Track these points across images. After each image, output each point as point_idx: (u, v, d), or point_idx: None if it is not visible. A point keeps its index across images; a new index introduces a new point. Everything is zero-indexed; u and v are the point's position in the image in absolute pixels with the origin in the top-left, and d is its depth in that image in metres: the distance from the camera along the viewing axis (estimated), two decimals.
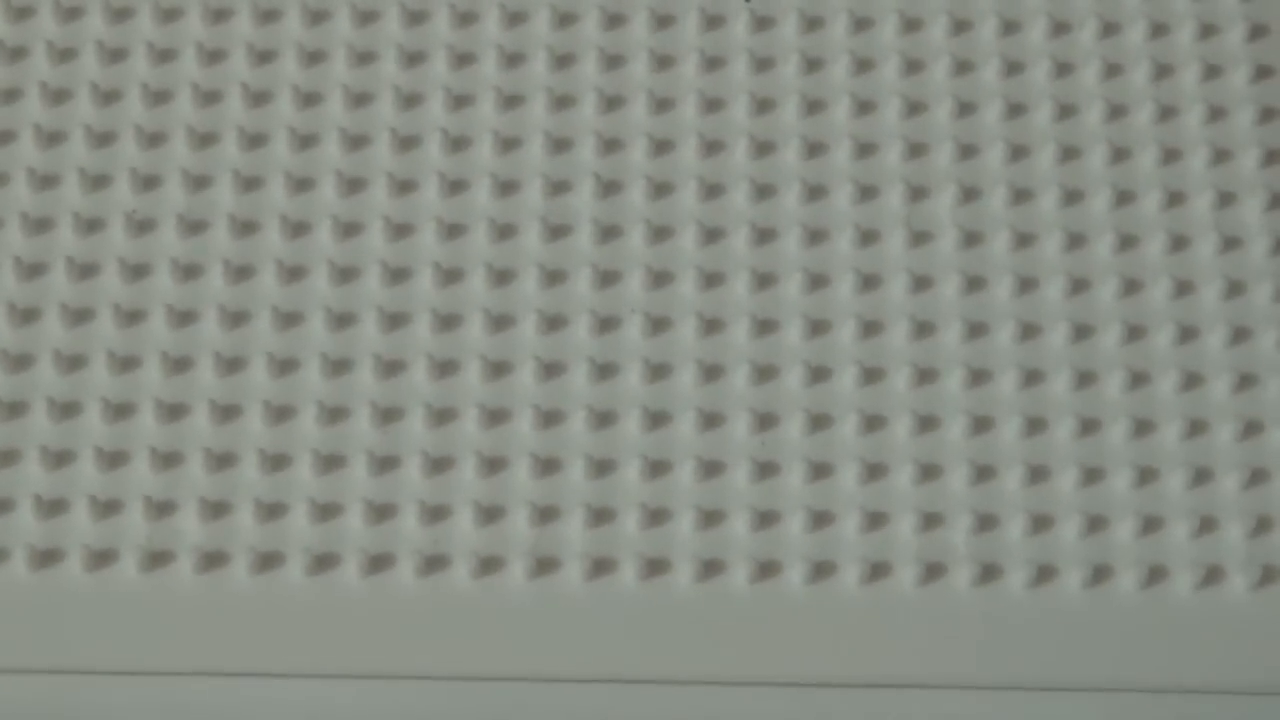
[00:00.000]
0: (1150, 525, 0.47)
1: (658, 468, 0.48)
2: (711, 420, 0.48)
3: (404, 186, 0.51)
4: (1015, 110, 0.52)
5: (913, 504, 0.47)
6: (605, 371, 0.49)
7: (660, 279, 0.50)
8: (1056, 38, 0.53)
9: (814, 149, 0.52)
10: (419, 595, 0.46)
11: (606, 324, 0.49)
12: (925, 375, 0.49)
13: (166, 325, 0.49)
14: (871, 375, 0.49)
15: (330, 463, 0.48)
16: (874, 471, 0.48)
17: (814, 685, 0.46)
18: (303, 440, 0.48)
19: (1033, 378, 0.49)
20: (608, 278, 0.50)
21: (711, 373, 0.49)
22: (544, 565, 0.47)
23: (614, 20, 0.54)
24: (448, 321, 0.49)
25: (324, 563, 0.47)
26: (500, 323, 0.49)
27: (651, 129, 0.52)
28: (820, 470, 0.48)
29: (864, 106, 0.52)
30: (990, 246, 0.51)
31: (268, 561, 0.47)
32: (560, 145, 0.52)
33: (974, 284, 0.50)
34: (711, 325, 0.49)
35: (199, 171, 0.51)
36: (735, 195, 0.51)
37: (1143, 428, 0.48)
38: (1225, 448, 0.48)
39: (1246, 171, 0.52)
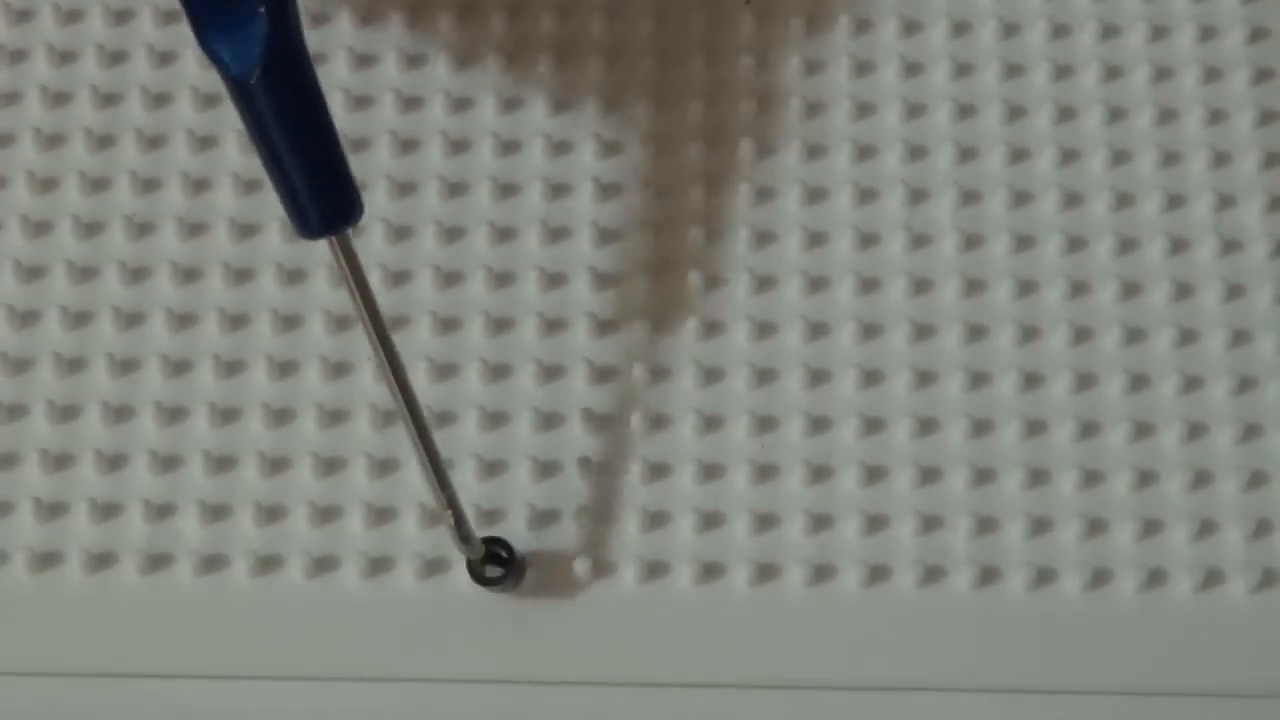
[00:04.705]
0: (1150, 528, 0.47)
1: (657, 470, 0.48)
2: (711, 423, 0.48)
3: (403, 189, 0.51)
4: (1015, 113, 0.52)
5: (913, 507, 0.47)
6: (604, 375, 0.49)
7: (660, 281, 0.50)
8: (1056, 40, 0.53)
9: (814, 151, 0.52)
10: (419, 598, 0.46)
11: (606, 327, 0.49)
12: (925, 378, 0.49)
13: (166, 328, 0.49)
14: (871, 378, 0.49)
15: (330, 466, 0.48)
16: (874, 474, 0.48)
17: (813, 688, 0.46)
18: (303, 443, 0.48)
19: (1033, 380, 0.49)
20: (607, 281, 0.50)
21: (711, 375, 0.49)
22: (543, 568, 0.47)
23: (614, 20, 0.53)
24: (447, 324, 0.49)
25: (324, 565, 0.47)
26: (500, 325, 0.49)
27: (651, 131, 0.52)
28: (820, 473, 0.48)
29: (864, 109, 0.52)
30: (990, 249, 0.51)
31: (267, 564, 0.47)
32: (561, 148, 0.52)
33: (974, 287, 0.50)
34: (711, 328, 0.49)
35: (199, 175, 0.51)
36: (733, 197, 0.51)
37: (1142, 431, 0.48)
38: (1225, 451, 0.48)
39: (1246, 174, 0.51)
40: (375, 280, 0.50)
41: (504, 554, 0.46)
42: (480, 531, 0.46)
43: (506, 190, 0.51)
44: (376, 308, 0.42)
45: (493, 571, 0.46)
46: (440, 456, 0.44)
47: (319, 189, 0.41)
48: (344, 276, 0.42)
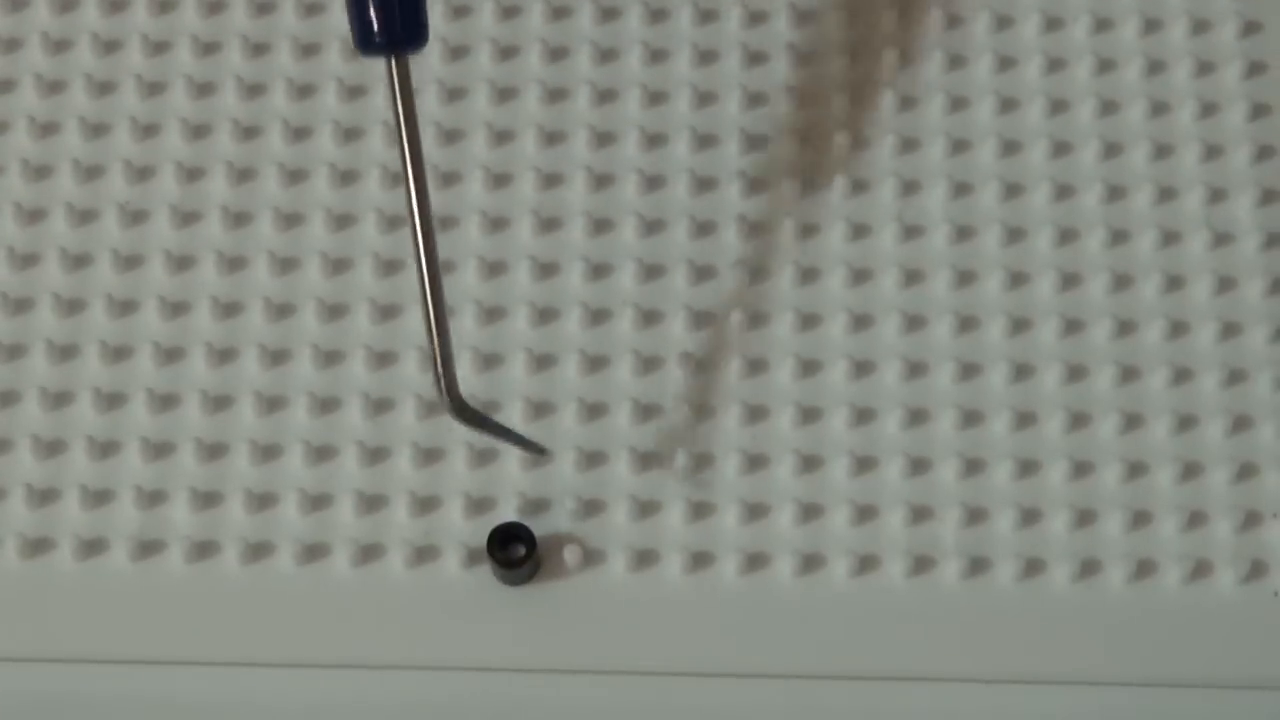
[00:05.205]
0: (1139, 519, 0.47)
1: (647, 460, 0.48)
2: (702, 413, 0.48)
3: (396, 179, 0.51)
4: (1007, 106, 0.52)
5: (902, 497, 0.47)
6: (596, 364, 0.49)
7: (652, 272, 0.50)
8: (1049, 33, 0.53)
9: (804, 141, 0.52)
10: (409, 585, 0.46)
11: (598, 316, 0.50)
12: (915, 369, 0.49)
13: (159, 316, 0.49)
14: (862, 369, 0.49)
15: (321, 453, 0.48)
16: (864, 465, 0.48)
17: (802, 677, 0.46)
18: (294, 431, 0.48)
19: (1023, 372, 0.49)
20: (599, 270, 0.50)
21: (702, 366, 0.49)
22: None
23: (607, 14, 0.54)
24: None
25: (314, 552, 0.47)
26: (491, 315, 0.50)
27: (645, 123, 0.52)
28: (810, 463, 0.48)
29: (856, 100, 0.52)
30: (982, 241, 0.51)
31: (258, 551, 0.47)
32: (553, 138, 0.52)
33: (965, 278, 0.50)
34: (702, 319, 0.49)
35: (192, 163, 0.51)
36: (726, 189, 0.51)
37: (1132, 422, 0.48)
38: (1214, 443, 0.48)
39: (1238, 167, 0.52)
40: (367, 271, 0.50)
41: (523, 548, 0.46)
42: (466, 519, 0.47)
43: (499, 181, 0.51)
44: (419, 143, 0.43)
45: (515, 551, 0.46)
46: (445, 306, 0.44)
47: (390, 6, 0.42)
48: (393, 105, 0.42)
